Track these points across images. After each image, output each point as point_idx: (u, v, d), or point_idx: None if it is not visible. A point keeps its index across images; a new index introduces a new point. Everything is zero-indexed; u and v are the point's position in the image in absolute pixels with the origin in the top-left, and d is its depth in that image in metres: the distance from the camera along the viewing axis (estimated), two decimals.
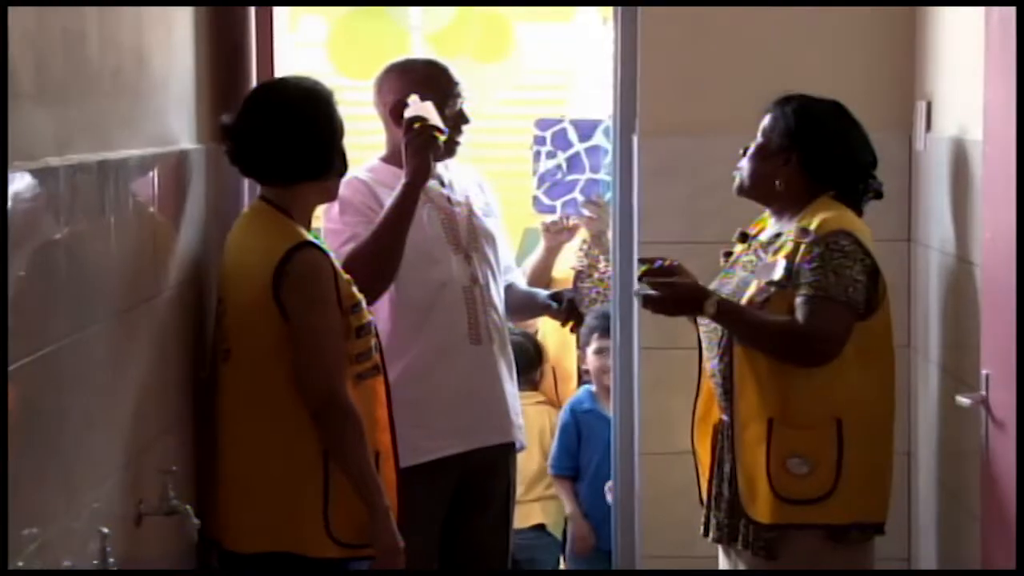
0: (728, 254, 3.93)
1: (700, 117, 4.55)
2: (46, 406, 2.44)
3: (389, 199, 4.05)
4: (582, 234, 6.09)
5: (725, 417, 3.79)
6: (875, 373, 3.72)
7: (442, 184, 4.25)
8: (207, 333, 3.67)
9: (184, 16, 3.61)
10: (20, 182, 2.29)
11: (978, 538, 3.57)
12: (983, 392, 3.44)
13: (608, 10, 5.93)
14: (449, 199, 4.26)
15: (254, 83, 4.33)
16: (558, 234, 6.09)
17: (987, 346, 3.47)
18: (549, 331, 6.10)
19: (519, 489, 4.75)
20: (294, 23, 7.06)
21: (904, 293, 4.40)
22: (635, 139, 4.61)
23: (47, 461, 2.44)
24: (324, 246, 3.61)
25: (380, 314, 3.98)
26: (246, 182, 4.13)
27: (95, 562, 2.59)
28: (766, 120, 3.86)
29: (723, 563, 3.89)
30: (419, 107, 4.06)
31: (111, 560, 2.59)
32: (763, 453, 3.69)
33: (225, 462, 3.52)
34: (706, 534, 3.87)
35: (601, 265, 5.93)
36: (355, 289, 3.56)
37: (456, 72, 4.28)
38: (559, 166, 6.11)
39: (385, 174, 4.19)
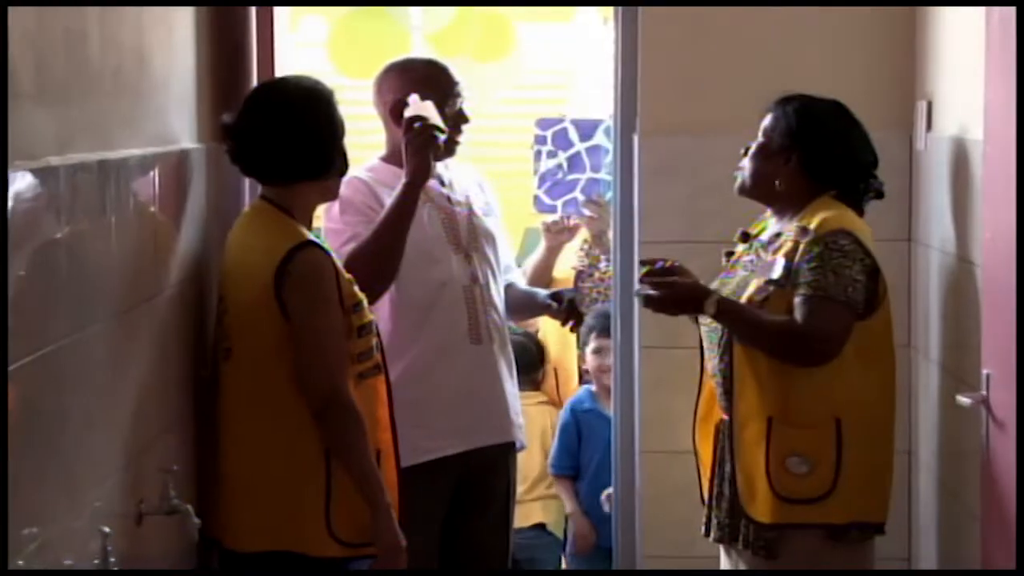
0: (730, 254, 3.93)
1: (701, 117, 4.55)
2: (47, 405, 2.44)
3: (389, 199, 4.05)
4: (583, 234, 6.10)
5: (726, 416, 3.79)
6: (875, 373, 3.72)
7: (442, 183, 4.25)
8: (208, 332, 3.67)
9: (185, 16, 3.61)
10: (21, 182, 2.29)
11: (978, 538, 3.57)
12: (984, 392, 3.44)
13: (608, 10, 5.94)
14: (449, 198, 4.26)
15: (255, 83, 4.33)
16: (559, 234, 6.09)
17: (988, 346, 3.47)
18: (550, 331, 6.11)
19: (519, 488, 4.75)
20: (294, 23, 7.06)
21: (904, 293, 4.40)
22: (636, 139, 4.61)
23: (48, 460, 2.44)
24: (325, 245, 3.61)
25: (380, 314, 3.98)
26: (247, 181, 4.13)
27: (96, 561, 2.59)
28: (767, 120, 3.86)
29: (724, 563, 3.90)
30: (419, 106, 4.06)
31: (112, 559, 2.59)
32: (762, 452, 3.69)
33: (226, 461, 3.52)
34: (707, 534, 3.88)
35: (602, 265, 5.93)
36: (356, 288, 3.56)
37: (456, 71, 4.28)
38: (560, 165, 6.11)
39: (385, 174, 4.19)
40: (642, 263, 3.91)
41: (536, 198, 6.15)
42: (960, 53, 4.02)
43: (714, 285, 3.84)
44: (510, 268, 4.51)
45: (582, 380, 5.93)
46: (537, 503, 5.88)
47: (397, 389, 3.68)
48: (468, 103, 4.28)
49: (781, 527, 3.69)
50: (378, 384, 3.60)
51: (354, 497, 3.46)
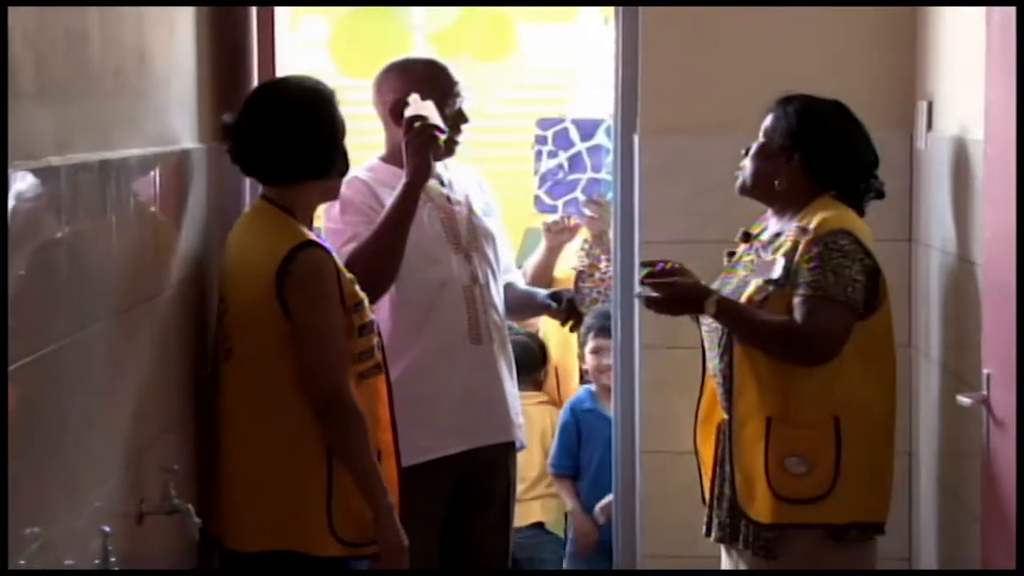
0: (732, 254, 3.94)
1: (701, 117, 4.55)
2: (48, 405, 2.44)
3: (389, 198, 4.05)
4: (584, 234, 6.10)
5: (726, 416, 3.79)
6: (875, 373, 3.72)
7: (442, 183, 4.25)
8: (208, 332, 3.67)
9: (186, 16, 3.61)
10: (22, 182, 2.29)
11: (979, 538, 3.57)
12: (984, 392, 3.44)
13: (609, 10, 5.93)
14: (449, 198, 4.26)
15: (255, 83, 4.34)
16: (559, 234, 6.09)
17: (988, 346, 3.47)
18: (551, 331, 6.11)
19: (519, 488, 4.75)
20: (295, 23, 7.07)
21: (905, 293, 4.41)
22: (636, 138, 4.61)
23: (48, 460, 2.44)
24: (327, 244, 3.61)
25: (380, 314, 3.98)
26: (247, 181, 4.13)
27: (97, 561, 2.59)
28: (768, 120, 3.86)
29: (725, 563, 3.90)
30: (419, 106, 4.06)
31: (112, 559, 2.59)
32: (761, 452, 3.69)
33: (227, 461, 3.52)
34: (708, 534, 3.88)
35: (602, 265, 5.93)
36: (357, 288, 3.56)
37: (455, 71, 4.28)
38: (561, 165, 6.12)
39: (385, 173, 4.19)
40: (642, 265, 3.92)
41: (537, 198, 6.16)
42: (961, 53, 4.02)
43: (715, 285, 3.84)
44: (509, 268, 4.51)
45: (583, 380, 5.93)
46: (536, 502, 5.88)
47: (397, 389, 3.69)
48: (468, 103, 4.28)
49: (781, 527, 3.69)
50: (379, 383, 3.60)
51: (355, 496, 3.46)
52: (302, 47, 7.09)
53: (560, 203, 6.09)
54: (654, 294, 3.78)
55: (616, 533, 4.80)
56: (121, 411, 2.93)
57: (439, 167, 4.20)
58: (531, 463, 5.75)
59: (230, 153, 3.63)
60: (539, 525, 5.90)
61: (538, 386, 6.14)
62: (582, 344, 5.79)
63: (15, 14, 2.27)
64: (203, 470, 3.58)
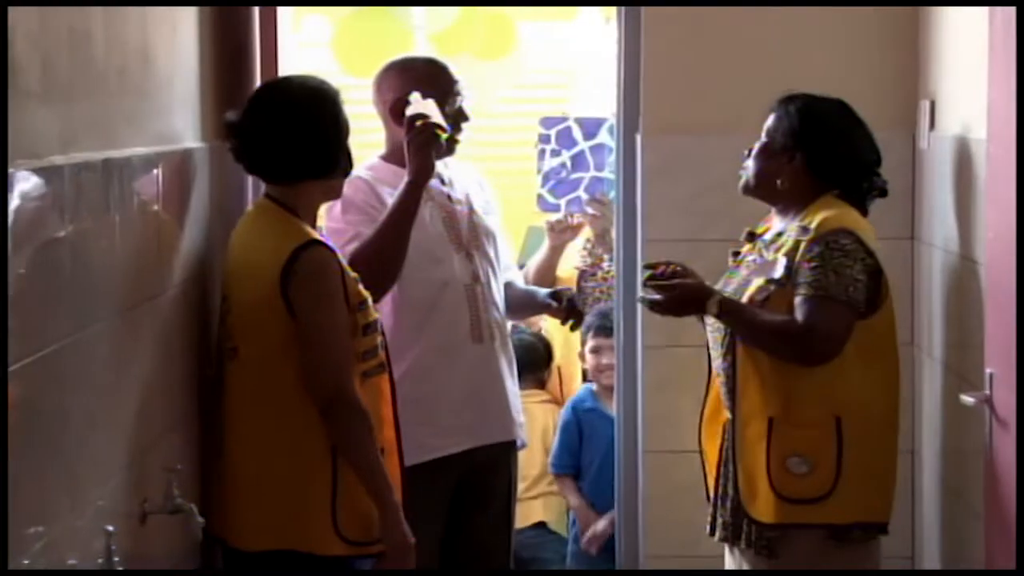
0: (736, 254, 3.94)
1: (703, 116, 4.55)
2: (50, 404, 2.44)
3: (391, 197, 4.05)
4: (586, 233, 6.10)
5: (730, 416, 3.79)
6: (877, 372, 3.72)
7: (443, 182, 4.25)
8: (211, 331, 3.67)
9: (189, 16, 3.61)
10: (25, 181, 2.29)
11: (982, 537, 3.57)
12: (987, 391, 3.44)
13: (610, 9, 5.94)
14: (450, 197, 4.26)
15: (258, 82, 4.34)
16: (562, 232, 6.09)
17: (991, 345, 3.47)
18: (554, 331, 6.11)
19: (520, 487, 4.75)
20: (297, 23, 7.07)
21: (908, 292, 4.41)
22: (638, 138, 4.61)
23: (51, 459, 2.44)
24: (331, 244, 3.61)
25: (382, 313, 3.97)
26: (250, 180, 4.14)
27: (100, 560, 2.59)
28: (770, 119, 3.86)
29: (729, 563, 3.90)
30: (421, 105, 4.06)
31: (116, 559, 2.59)
32: (763, 452, 3.69)
33: (231, 460, 3.52)
34: (712, 533, 3.88)
35: (605, 264, 5.93)
36: (361, 287, 3.56)
37: (455, 70, 4.28)
38: (563, 164, 6.12)
39: (386, 172, 4.19)
40: (645, 267, 3.92)
41: (539, 197, 6.16)
42: (963, 52, 4.02)
43: (718, 285, 3.84)
44: (509, 267, 4.51)
45: (585, 380, 5.93)
46: (538, 501, 5.88)
47: (399, 388, 3.69)
48: (468, 101, 4.28)
49: (783, 527, 3.69)
50: (382, 383, 3.60)
51: (360, 495, 3.46)
52: (304, 47, 7.10)
53: (563, 202, 6.09)
54: (657, 297, 3.79)
55: (619, 533, 4.80)
56: (124, 410, 2.93)
57: (439, 166, 4.19)
58: (532, 462, 5.75)
59: (233, 152, 3.63)
60: (541, 525, 5.90)
61: (541, 385, 6.14)
62: (583, 343, 5.79)
63: (20, 14, 2.27)
64: (206, 469, 3.58)
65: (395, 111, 4.19)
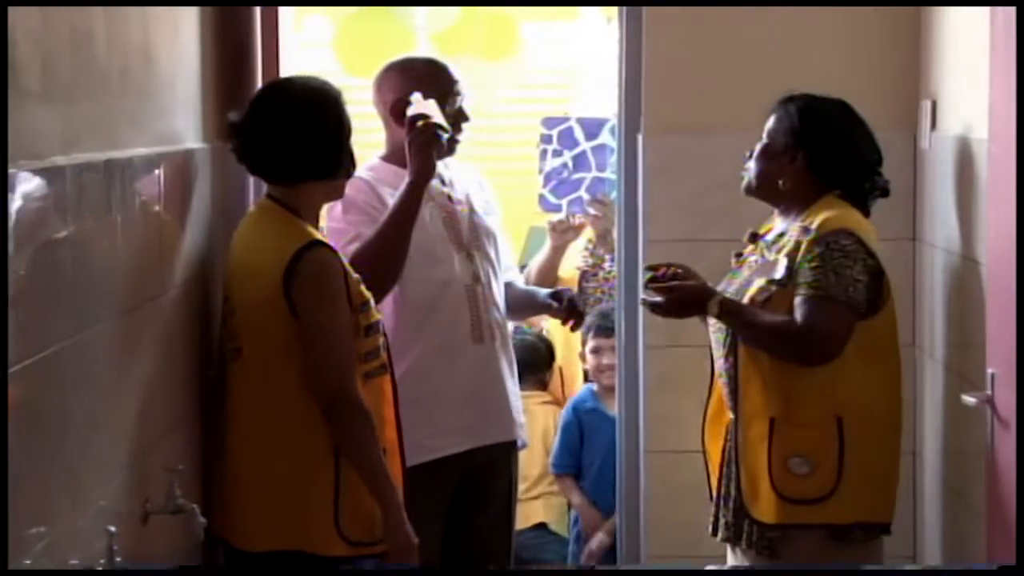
0: (739, 254, 3.94)
1: (705, 116, 4.55)
2: (52, 405, 2.44)
3: (391, 198, 4.05)
4: (588, 233, 6.10)
5: (732, 416, 3.79)
6: (878, 373, 3.72)
7: (443, 182, 4.25)
8: (213, 331, 3.67)
9: (190, 16, 3.61)
10: (27, 181, 2.29)
11: (983, 537, 3.57)
12: (988, 391, 3.44)
13: (612, 10, 5.94)
14: (450, 197, 4.25)
15: (260, 83, 4.34)
16: (564, 232, 6.09)
17: (992, 345, 3.47)
18: (555, 332, 6.11)
19: (520, 488, 4.75)
20: (298, 23, 7.07)
21: (909, 292, 4.41)
22: (640, 138, 4.61)
23: (53, 460, 2.44)
24: (333, 244, 3.61)
25: (383, 313, 3.97)
26: (252, 180, 4.14)
27: (102, 561, 2.59)
28: (771, 120, 3.86)
29: (731, 562, 3.89)
30: (422, 105, 4.05)
31: (118, 559, 2.59)
32: (765, 452, 3.69)
33: (234, 460, 3.52)
34: (714, 533, 3.88)
35: (606, 264, 5.94)
36: (364, 288, 3.56)
37: (456, 70, 4.28)
38: (565, 164, 6.12)
39: (386, 173, 4.18)
40: (646, 269, 3.92)
41: (541, 197, 6.17)
42: (964, 52, 4.02)
43: (721, 285, 3.84)
44: (509, 267, 4.51)
45: (587, 380, 5.93)
46: (538, 501, 5.88)
47: (400, 388, 3.69)
48: (468, 101, 4.27)
49: (784, 527, 3.69)
50: (384, 383, 3.60)
51: (362, 496, 3.46)
52: (305, 47, 7.10)
53: (564, 202, 6.10)
54: (658, 299, 3.79)
55: (620, 533, 4.80)
56: (125, 411, 2.93)
57: (440, 166, 4.19)
58: (533, 463, 5.75)
59: (236, 152, 3.63)
60: (542, 526, 5.90)
61: (543, 386, 6.15)
62: (583, 343, 5.79)
63: (22, 14, 2.27)
64: (208, 470, 3.58)
65: (396, 111, 4.19)
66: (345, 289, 3.48)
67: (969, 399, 3.51)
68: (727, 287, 3.83)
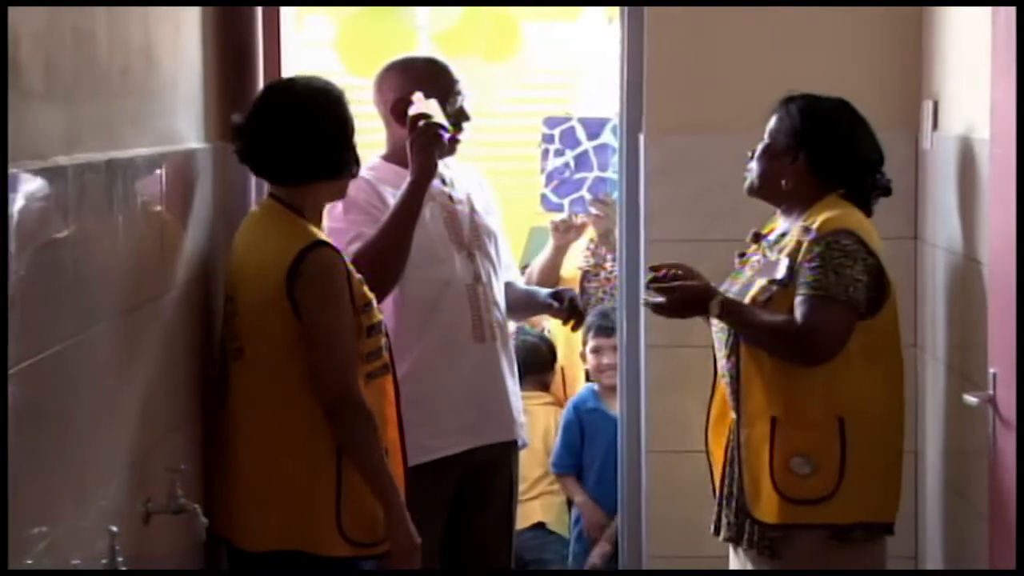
0: (742, 254, 3.94)
1: (706, 116, 4.55)
2: (53, 405, 2.44)
3: (392, 197, 4.05)
4: (590, 233, 6.10)
5: (735, 416, 3.79)
6: (880, 372, 3.72)
7: (444, 182, 4.25)
8: (215, 331, 3.67)
9: (192, 16, 3.61)
10: (29, 181, 2.29)
11: (985, 537, 3.57)
12: (990, 391, 3.44)
13: (613, 10, 5.94)
14: (451, 197, 4.25)
15: (261, 82, 4.34)
16: (566, 232, 6.09)
17: (994, 345, 3.47)
18: (557, 332, 6.11)
19: (519, 488, 4.75)
20: (300, 23, 7.07)
21: (911, 292, 4.41)
22: (641, 138, 4.61)
23: (55, 460, 2.44)
24: (336, 245, 3.61)
25: (384, 313, 3.97)
26: (253, 180, 4.14)
27: (104, 561, 2.59)
28: (772, 120, 3.86)
29: (733, 562, 3.90)
30: (423, 105, 4.05)
31: (119, 559, 2.59)
32: (767, 453, 3.69)
33: (236, 460, 3.52)
34: (716, 533, 3.87)
35: (608, 264, 5.94)
36: (366, 288, 3.56)
37: (456, 70, 4.28)
38: (567, 164, 6.12)
39: (387, 172, 4.18)
40: (649, 270, 3.92)
41: (543, 196, 6.16)
42: (966, 52, 4.02)
43: (724, 285, 3.84)
44: (509, 266, 4.51)
45: (588, 380, 5.93)
46: (537, 501, 5.87)
47: (401, 388, 3.69)
48: (469, 101, 4.27)
49: (786, 527, 3.69)
50: (386, 384, 3.60)
51: (364, 496, 3.46)
52: (307, 47, 7.10)
53: (566, 202, 6.09)
54: (660, 299, 3.80)
55: (622, 533, 4.80)
56: (127, 410, 2.93)
57: (440, 166, 4.19)
58: (532, 463, 5.74)
59: (239, 154, 3.63)
60: (540, 526, 5.89)
61: (545, 387, 6.14)
62: (583, 343, 5.79)
63: (24, 14, 2.27)
64: (210, 470, 3.58)
65: (396, 111, 4.19)
66: (348, 290, 3.48)
67: (971, 399, 3.51)
68: (730, 287, 3.83)
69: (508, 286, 4.38)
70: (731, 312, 3.72)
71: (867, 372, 3.69)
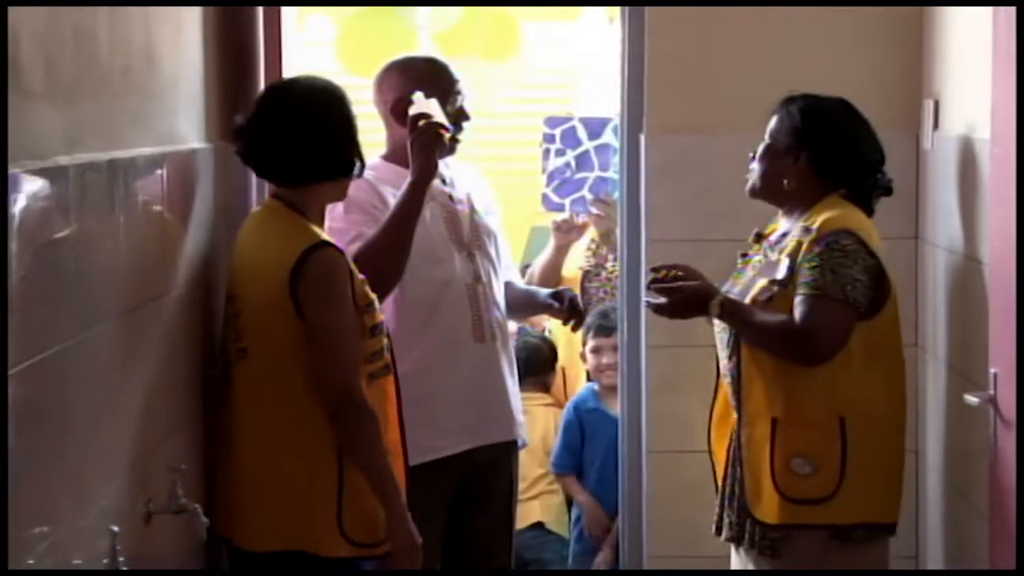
0: (745, 255, 3.94)
1: (707, 116, 4.56)
2: (55, 405, 2.44)
3: (392, 197, 4.05)
4: (591, 233, 6.10)
5: (736, 416, 3.79)
6: (880, 372, 3.72)
7: (444, 182, 4.25)
8: (216, 331, 3.67)
9: (193, 16, 3.61)
10: (30, 181, 2.29)
11: (986, 537, 3.57)
12: (991, 391, 3.44)
13: (614, 9, 5.94)
14: (451, 197, 4.25)
15: (262, 82, 4.34)
16: (568, 232, 6.09)
17: (995, 345, 3.47)
18: (559, 333, 6.11)
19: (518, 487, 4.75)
20: (301, 23, 7.07)
21: (912, 292, 4.41)
22: (642, 138, 4.61)
23: (56, 459, 2.44)
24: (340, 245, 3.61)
25: (385, 313, 3.97)
26: (254, 180, 4.14)
27: (105, 560, 2.59)
28: (772, 121, 3.86)
29: (734, 562, 3.90)
30: (424, 104, 4.05)
31: (120, 559, 2.59)
32: (767, 453, 3.69)
33: (238, 460, 3.52)
34: (718, 533, 3.88)
35: (609, 264, 5.94)
36: (368, 289, 3.56)
37: (456, 69, 4.28)
38: (568, 164, 6.12)
39: (387, 172, 4.18)
40: (650, 271, 3.93)
41: (544, 196, 6.16)
42: (967, 52, 4.02)
43: (726, 286, 3.85)
44: (508, 266, 4.51)
45: (589, 380, 5.92)
46: (535, 501, 5.87)
47: (401, 388, 3.69)
48: (468, 100, 4.27)
49: (787, 527, 3.69)
50: (387, 384, 3.60)
51: (366, 497, 3.46)
52: (308, 47, 7.10)
53: (567, 202, 6.09)
54: (661, 300, 3.80)
55: (622, 533, 4.80)
56: (128, 411, 2.93)
57: (440, 165, 4.19)
58: (531, 463, 5.74)
59: (242, 155, 3.62)
60: (539, 526, 5.88)
61: (545, 388, 6.14)
62: (583, 343, 5.78)
63: (25, 14, 2.27)
64: (210, 469, 3.58)
65: (396, 111, 4.19)
66: (351, 290, 3.48)
67: (972, 399, 3.51)
68: (731, 288, 3.83)
69: (507, 286, 4.38)
70: (731, 312, 3.72)
71: (868, 372, 3.69)
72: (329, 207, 3.96)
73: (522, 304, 4.51)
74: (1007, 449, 3.36)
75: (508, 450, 4.33)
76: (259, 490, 3.48)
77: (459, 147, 4.28)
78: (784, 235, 3.80)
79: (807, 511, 3.68)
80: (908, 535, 4.38)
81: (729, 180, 4.10)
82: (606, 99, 6.65)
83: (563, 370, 6.18)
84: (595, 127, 6.12)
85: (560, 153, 6.13)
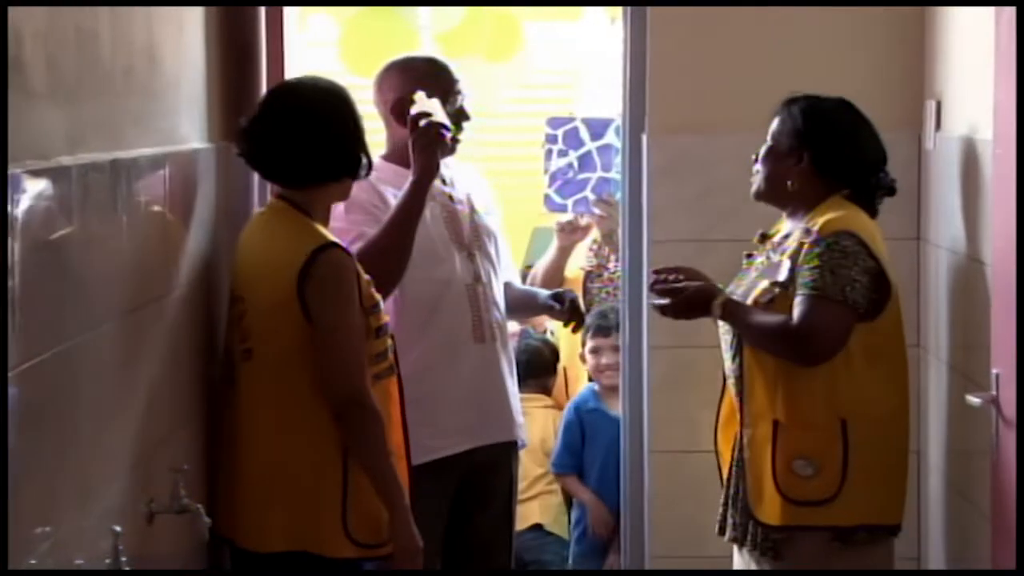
0: (749, 255, 3.94)
1: (709, 116, 4.55)
2: (57, 405, 2.44)
3: (393, 197, 4.05)
4: (593, 234, 6.09)
5: (739, 417, 3.79)
6: (882, 373, 3.72)
7: (444, 182, 4.25)
8: (218, 331, 3.67)
9: (195, 16, 3.61)
10: (32, 181, 2.29)
11: (988, 538, 3.57)
12: (993, 392, 3.44)
13: (616, 9, 5.94)
14: (451, 197, 4.26)
15: (264, 82, 4.34)
16: (572, 233, 6.08)
17: (997, 345, 3.47)
18: (561, 334, 6.10)
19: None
20: (303, 23, 7.07)
21: (914, 292, 4.40)
22: (644, 138, 4.61)
23: (58, 459, 2.45)
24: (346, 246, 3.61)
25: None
26: (256, 181, 4.13)
27: (107, 560, 2.59)
28: (774, 123, 3.86)
29: (737, 563, 3.90)
30: (425, 104, 4.05)
31: (123, 559, 2.59)
32: (769, 454, 3.69)
33: (242, 460, 3.52)
34: (721, 533, 3.88)
35: (611, 265, 5.93)
36: (374, 290, 3.56)
37: (456, 69, 4.28)
38: (570, 164, 6.11)
39: (387, 172, 4.18)
40: (652, 273, 3.93)
41: (547, 197, 6.14)
42: (969, 53, 4.02)
43: (730, 287, 3.85)
44: (508, 267, 4.51)
45: (590, 381, 5.92)
46: (535, 502, 5.86)
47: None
48: (469, 100, 4.27)
49: (788, 529, 3.69)
50: (391, 385, 3.60)
51: (370, 498, 3.46)
52: (310, 46, 7.10)
53: (570, 202, 6.08)
54: (663, 301, 3.80)
55: (624, 533, 4.80)
56: (131, 411, 2.93)
57: (441, 165, 4.18)
58: (530, 463, 5.73)
59: (246, 156, 3.62)
60: (538, 527, 5.87)
61: (546, 390, 6.13)
62: (583, 344, 5.78)
63: (27, 13, 2.27)
64: (213, 470, 3.58)
65: (396, 111, 4.19)
66: (358, 291, 3.48)
67: (974, 400, 3.51)
68: (734, 289, 3.84)
69: (507, 286, 4.39)
70: (732, 313, 3.72)
71: (869, 374, 3.68)
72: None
73: (522, 305, 4.51)
74: (1009, 450, 3.36)
75: (508, 450, 4.33)
76: (264, 491, 3.48)
77: (460, 147, 4.27)
78: (786, 237, 3.80)
79: (809, 512, 3.68)
80: (910, 536, 4.37)
81: (731, 180, 4.10)
82: (608, 99, 6.64)
83: (565, 371, 6.17)
84: (598, 128, 6.11)
85: (562, 154, 6.12)
